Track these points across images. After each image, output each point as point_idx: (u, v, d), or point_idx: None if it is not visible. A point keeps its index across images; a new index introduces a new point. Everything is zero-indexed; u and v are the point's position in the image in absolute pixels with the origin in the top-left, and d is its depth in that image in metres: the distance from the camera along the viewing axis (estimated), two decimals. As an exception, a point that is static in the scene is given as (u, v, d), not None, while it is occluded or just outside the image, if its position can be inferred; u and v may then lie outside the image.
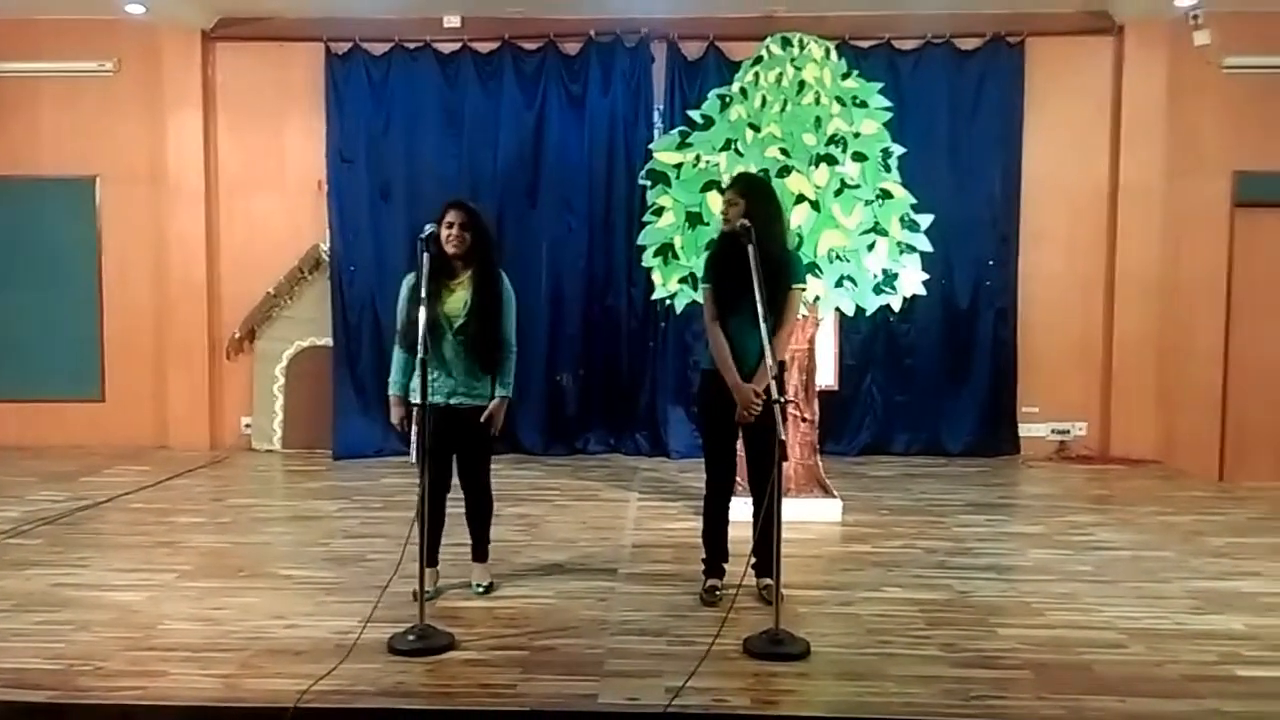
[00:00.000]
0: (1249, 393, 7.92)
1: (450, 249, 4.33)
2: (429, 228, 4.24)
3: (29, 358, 8.33)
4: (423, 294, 4.08)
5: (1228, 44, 7.72)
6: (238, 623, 4.22)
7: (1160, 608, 4.43)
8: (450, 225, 4.31)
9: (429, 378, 4.18)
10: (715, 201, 5.68)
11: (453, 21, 7.99)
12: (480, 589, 4.60)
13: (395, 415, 4.52)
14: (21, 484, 6.92)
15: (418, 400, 4.20)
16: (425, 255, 4.14)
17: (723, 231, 4.48)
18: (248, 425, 8.33)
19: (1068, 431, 8.12)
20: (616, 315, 8.08)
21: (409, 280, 4.49)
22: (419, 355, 4.00)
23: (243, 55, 8.21)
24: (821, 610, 4.40)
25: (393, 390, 4.50)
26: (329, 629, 4.12)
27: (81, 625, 4.18)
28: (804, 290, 4.66)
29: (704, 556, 4.62)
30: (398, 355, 4.48)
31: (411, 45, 8.04)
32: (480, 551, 4.70)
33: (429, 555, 4.37)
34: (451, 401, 4.39)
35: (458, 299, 4.38)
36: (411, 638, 3.90)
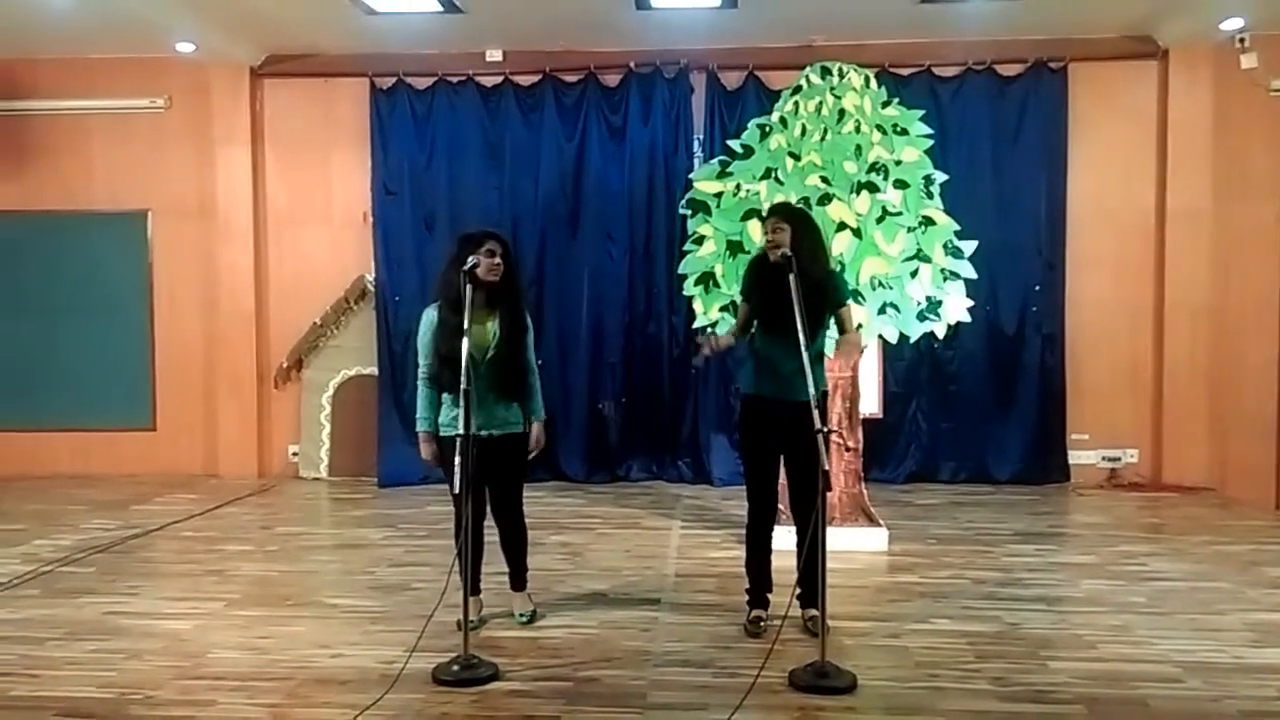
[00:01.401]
0: (1304, 419, 7.74)
1: (491, 278, 4.33)
2: (471, 259, 4.26)
3: (82, 388, 8.50)
4: (466, 325, 4.09)
5: (1275, 67, 7.62)
6: (285, 652, 4.26)
7: (1217, 641, 4.34)
8: (491, 254, 4.32)
9: (454, 410, 4.23)
10: (756, 230, 5.69)
11: (495, 55, 8.10)
12: (523, 618, 4.60)
13: (427, 452, 4.49)
14: (74, 513, 7.04)
15: (449, 434, 4.26)
16: (469, 288, 4.16)
17: (764, 255, 4.45)
18: (295, 453, 8.43)
19: (1118, 459, 7.99)
20: (658, 343, 8.10)
21: (430, 316, 4.44)
22: (462, 386, 4.00)
23: (290, 91, 8.38)
24: (868, 642, 4.35)
25: (422, 427, 4.48)
26: (374, 658, 4.15)
27: (133, 654, 4.24)
28: (850, 306, 4.64)
29: (747, 587, 4.59)
30: (424, 392, 4.46)
31: (454, 79, 8.15)
32: (519, 580, 4.71)
33: (471, 584, 4.36)
34: (484, 433, 4.33)
35: (487, 330, 4.38)
36: (456, 668, 3.91)
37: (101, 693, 3.83)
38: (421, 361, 4.48)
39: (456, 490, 3.99)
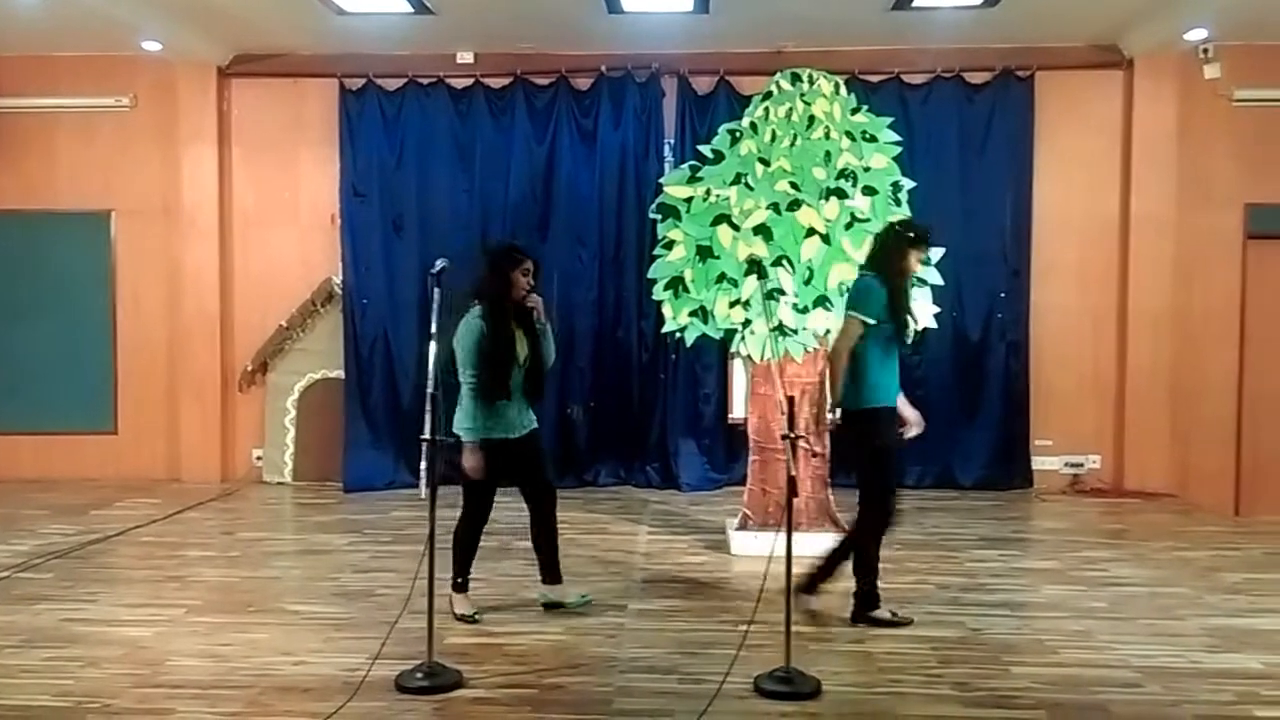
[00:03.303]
0: (1264, 425, 7.86)
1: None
2: (440, 263, 4.25)
3: (43, 390, 8.36)
4: (433, 329, 4.09)
5: (1238, 77, 7.73)
6: (245, 659, 4.21)
7: (1176, 646, 4.39)
8: (526, 273, 4.65)
9: (500, 416, 4.58)
10: (725, 235, 5.72)
11: (466, 58, 8.06)
12: (585, 599, 4.87)
13: (474, 461, 4.56)
14: (33, 517, 6.93)
15: (486, 437, 4.54)
16: (437, 291, 4.15)
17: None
18: (259, 457, 8.34)
19: (1081, 465, 8.07)
20: (627, 348, 8.09)
21: (474, 325, 4.57)
22: (429, 390, 4.02)
23: (258, 91, 8.30)
24: (832, 648, 4.36)
25: (470, 438, 4.56)
26: (337, 666, 4.11)
27: (90, 661, 4.18)
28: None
29: (860, 582, 4.68)
30: (479, 403, 4.56)
31: (425, 81, 8.10)
32: (556, 572, 4.88)
33: (463, 582, 4.70)
34: (513, 436, 4.66)
35: (522, 341, 4.68)
36: (419, 675, 3.89)
37: (58, 701, 3.77)
38: (464, 369, 4.58)
39: (477, 491, 4.54)
